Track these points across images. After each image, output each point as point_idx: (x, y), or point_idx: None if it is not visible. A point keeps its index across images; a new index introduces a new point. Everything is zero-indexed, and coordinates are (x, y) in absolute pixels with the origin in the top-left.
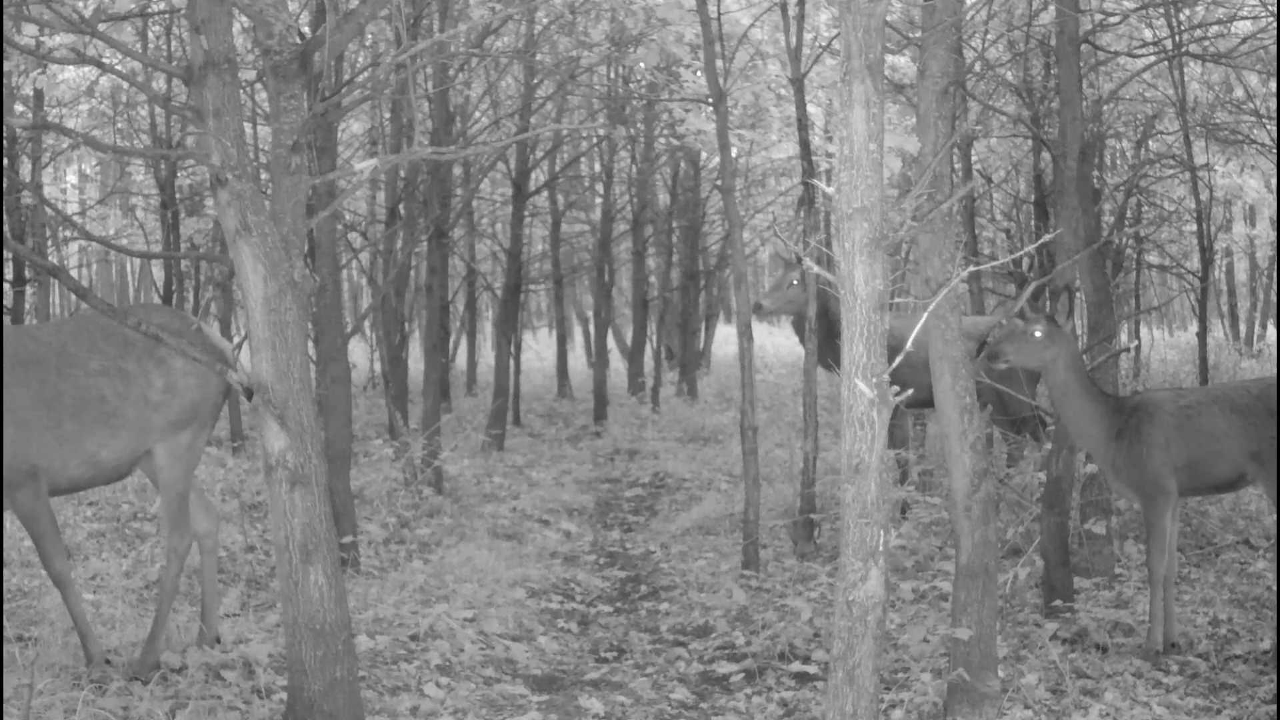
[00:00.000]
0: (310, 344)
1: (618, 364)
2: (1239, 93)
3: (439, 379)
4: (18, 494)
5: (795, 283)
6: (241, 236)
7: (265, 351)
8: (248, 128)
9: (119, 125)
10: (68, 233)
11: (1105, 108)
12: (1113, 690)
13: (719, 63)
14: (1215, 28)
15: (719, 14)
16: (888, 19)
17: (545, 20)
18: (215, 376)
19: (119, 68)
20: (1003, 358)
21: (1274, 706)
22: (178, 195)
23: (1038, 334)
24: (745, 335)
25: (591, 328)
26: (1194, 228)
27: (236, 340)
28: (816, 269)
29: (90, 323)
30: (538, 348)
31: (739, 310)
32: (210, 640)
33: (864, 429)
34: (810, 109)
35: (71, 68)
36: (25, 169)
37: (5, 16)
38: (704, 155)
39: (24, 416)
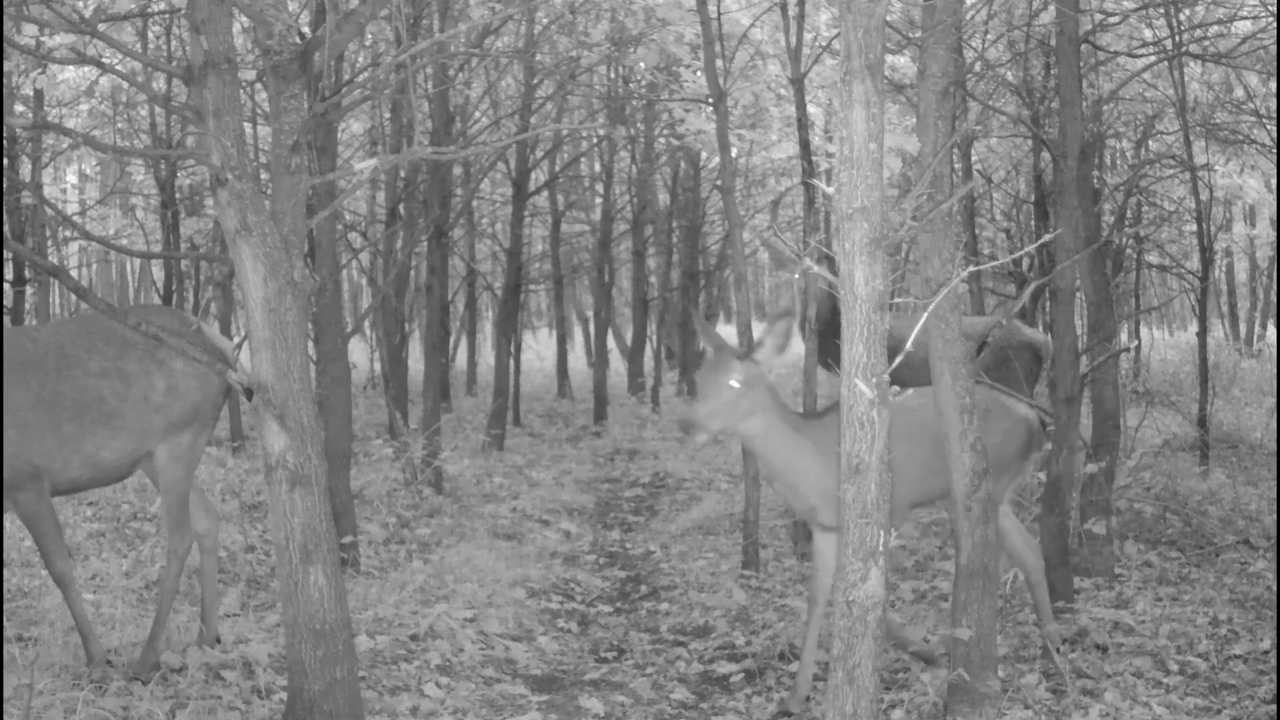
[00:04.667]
0: (310, 344)
1: (618, 364)
2: (1239, 93)
3: (439, 379)
4: (20, 494)
5: (735, 384)
6: (241, 236)
7: (265, 351)
8: (248, 128)
9: (119, 125)
10: (68, 233)
11: (1105, 108)
12: (1113, 690)
13: (719, 63)
14: (1215, 28)
15: (719, 14)
16: (888, 19)
17: (545, 20)
18: (216, 377)
19: (119, 68)
20: (702, 428)
21: (1274, 706)
22: (178, 195)
23: (735, 384)
24: (745, 335)
25: (591, 328)
26: (1194, 228)
27: (236, 340)
28: (817, 269)
29: (90, 324)
30: (538, 348)
31: (739, 310)
32: (210, 640)
33: (864, 429)
34: (810, 109)
35: (71, 68)
36: (25, 169)
37: (5, 16)
38: (704, 155)
39: (24, 418)
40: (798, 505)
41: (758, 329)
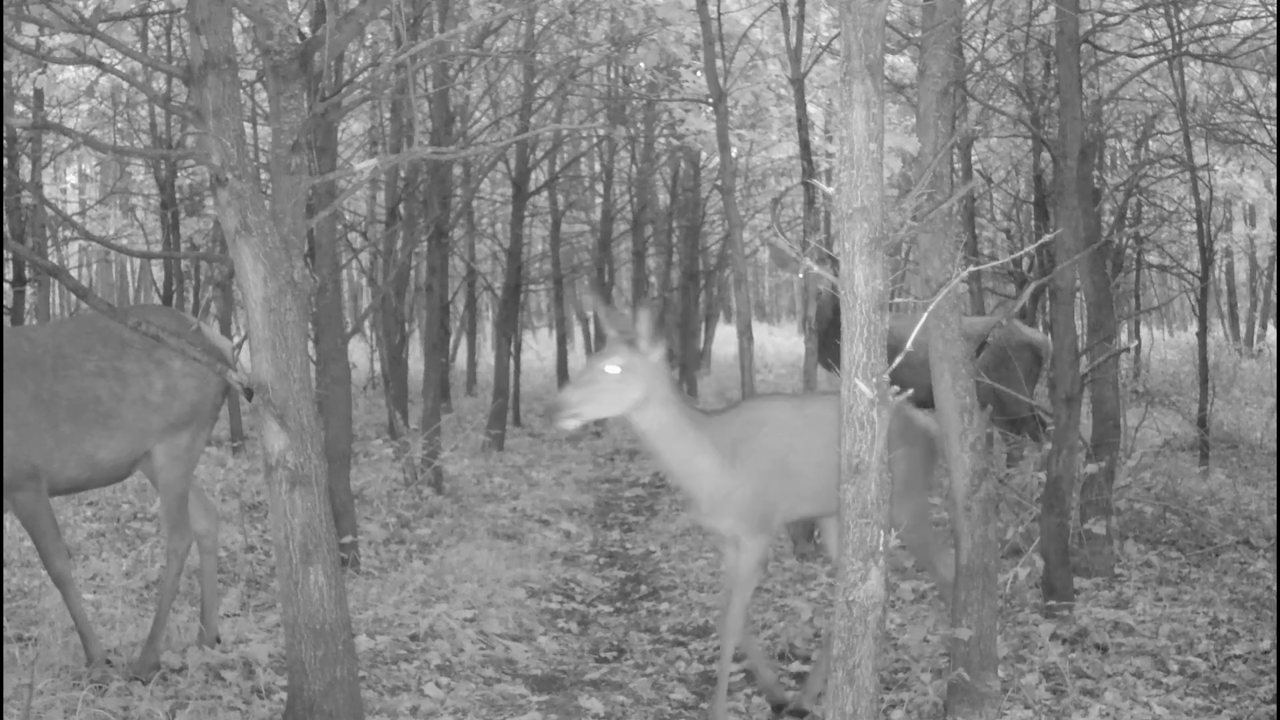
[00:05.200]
0: (310, 344)
1: None
2: (1239, 93)
3: (439, 379)
4: (18, 495)
5: (612, 370)
6: (241, 236)
7: (265, 351)
8: (248, 128)
9: (119, 125)
10: (68, 233)
11: (1105, 108)
12: (1113, 690)
13: (719, 63)
14: (1215, 28)
15: (719, 14)
16: (888, 19)
17: (545, 20)
18: (214, 377)
19: (119, 68)
20: (570, 412)
21: (1274, 706)
22: (178, 195)
23: (613, 370)
24: (745, 335)
25: (592, 328)
26: (1194, 228)
27: (236, 340)
28: (817, 269)
29: (87, 324)
30: (538, 348)
31: (739, 310)
32: (210, 640)
33: (864, 429)
34: (810, 109)
35: (71, 68)
36: (25, 169)
37: (5, 16)
38: (704, 155)
39: (22, 418)
40: (695, 514)
41: (758, 329)
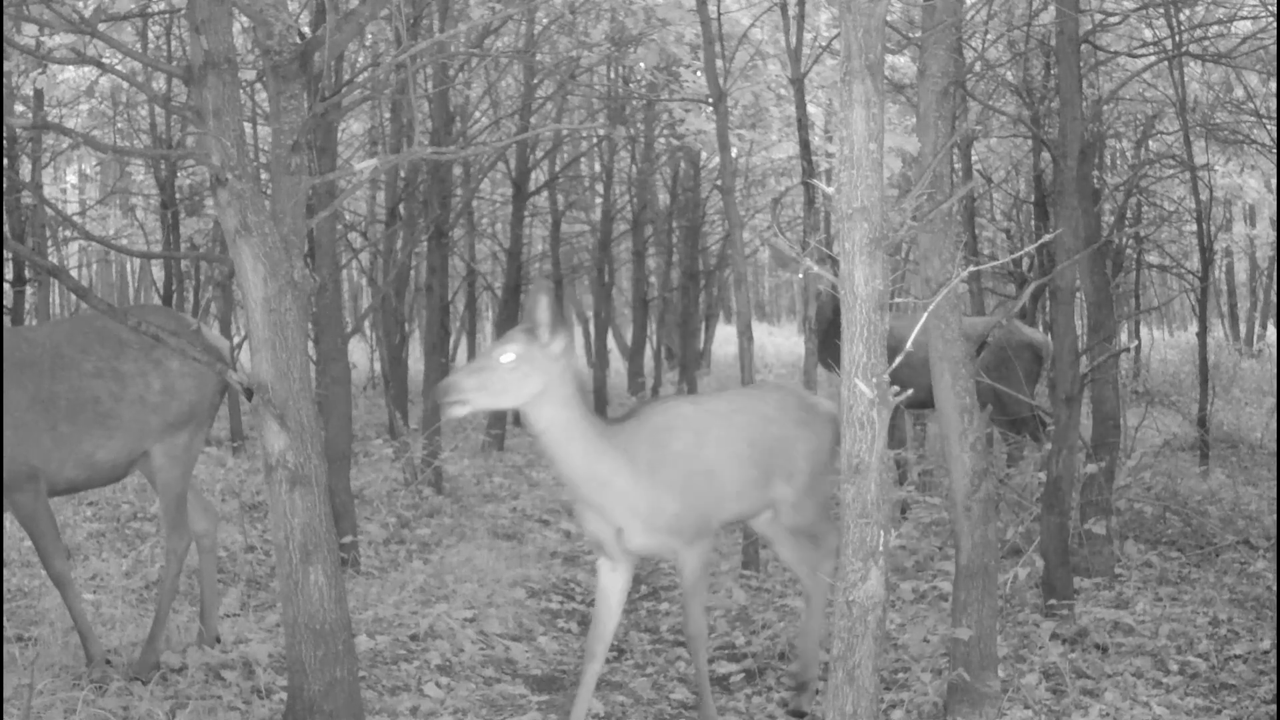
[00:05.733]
0: (310, 344)
1: (618, 364)
2: (1239, 93)
3: (439, 379)
4: (17, 495)
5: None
6: (241, 236)
7: (265, 351)
8: (248, 128)
9: (119, 125)
10: (68, 233)
11: (1105, 108)
12: (1113, 690)
13: (719, 63)
14: (1215, 28)
15: (719, 14)
16: (888, 19)
17: (545, 20)
18: (212, 377)
19: (119, 68)
20: (459, 398)
21: (1274, 706)
22: (178, 195)
23: (507, 358)
24: (745, 335)
25: (591, 328)
26: (1194, 228)
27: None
28: (817, 269)
29: (85, 324)
30: None
31: (739, 310)
32: (210, 640)
33: (864, 429)
34: (810, 109)
35: (71, 68)
36: (25, 169)
37: (5, 16)
38: (704, 155)
39: (20, 418)
40: (594, 528)
41: (758, 329)
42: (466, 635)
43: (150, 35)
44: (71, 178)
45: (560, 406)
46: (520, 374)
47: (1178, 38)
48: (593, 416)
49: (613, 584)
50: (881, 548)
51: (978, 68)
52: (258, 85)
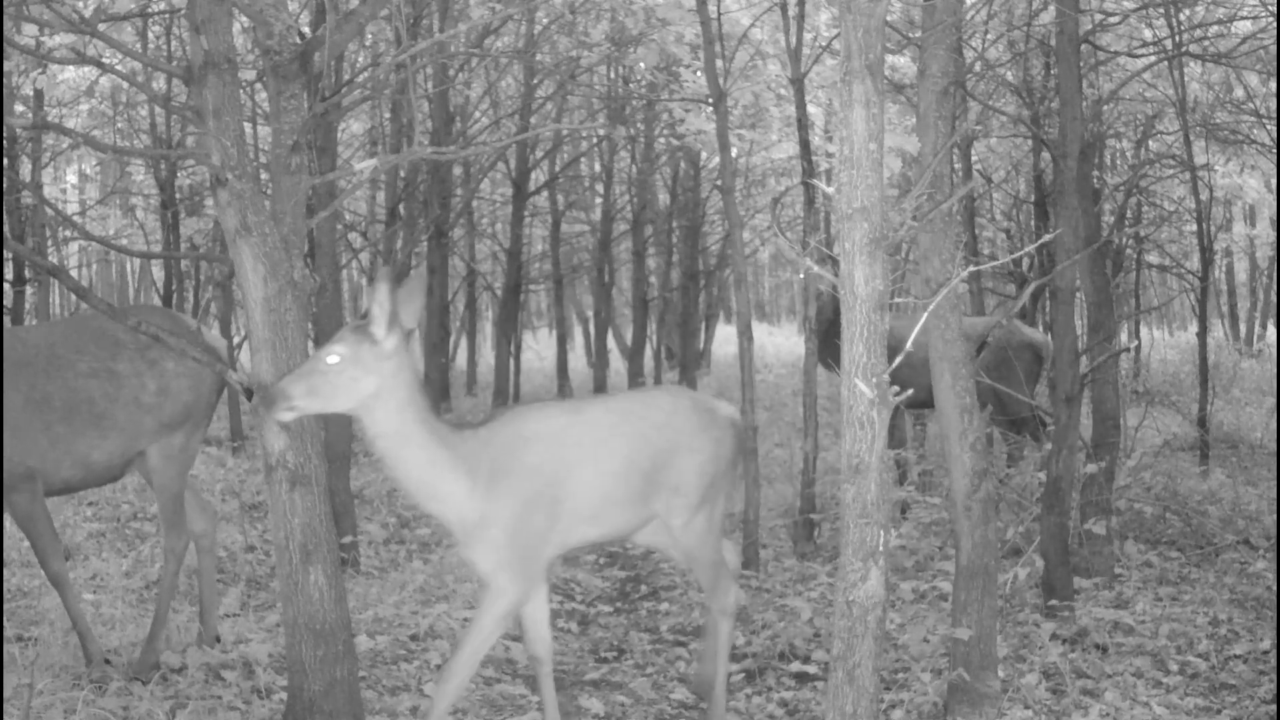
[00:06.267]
0: (310, 344)
1: (618, 364)
2: (1239, 93)
3: (439, 379)
4: (14, 496)
5: (332, 359)
6: (241, 236)
7: (265, 351)
8: (248, 128)
9: (119, 125)
10: (68, 233)
11: (1105, 108)
12: (1113, 690)
13: (719, 63)
14: (1215, 28)
15: (719, 14)
16: (888, 19)
17: (545, 20)
18: (208, 377)
19: (119, 68)
20: (286, 403)
21: (1274, 706)
22: (178, 195)
23: (332, 360)
24: (745, 335)
25: (591, 328)
26: (1194, 228)
27: (236, 340)
28: (817, 269)
29: (81, 325)
30: (538, 348)
31: (739, 310)
32: (210, 640)
33: (864, 429)
34: (810, 109)
35: (71, 68)
36: (25, 169)
37: (5, 16)
38: (704, 155)
39: (16, 419)
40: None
41: (758, 329)
42: None
43: (150, 35)
44: (71, 178)
45: (394, 411)
46: (349, 376)
47: (1178, 38)
48: (434, 421)
49: (487, 600)
50: (881, 548)
51: (978, 68)
52: (258, 85)
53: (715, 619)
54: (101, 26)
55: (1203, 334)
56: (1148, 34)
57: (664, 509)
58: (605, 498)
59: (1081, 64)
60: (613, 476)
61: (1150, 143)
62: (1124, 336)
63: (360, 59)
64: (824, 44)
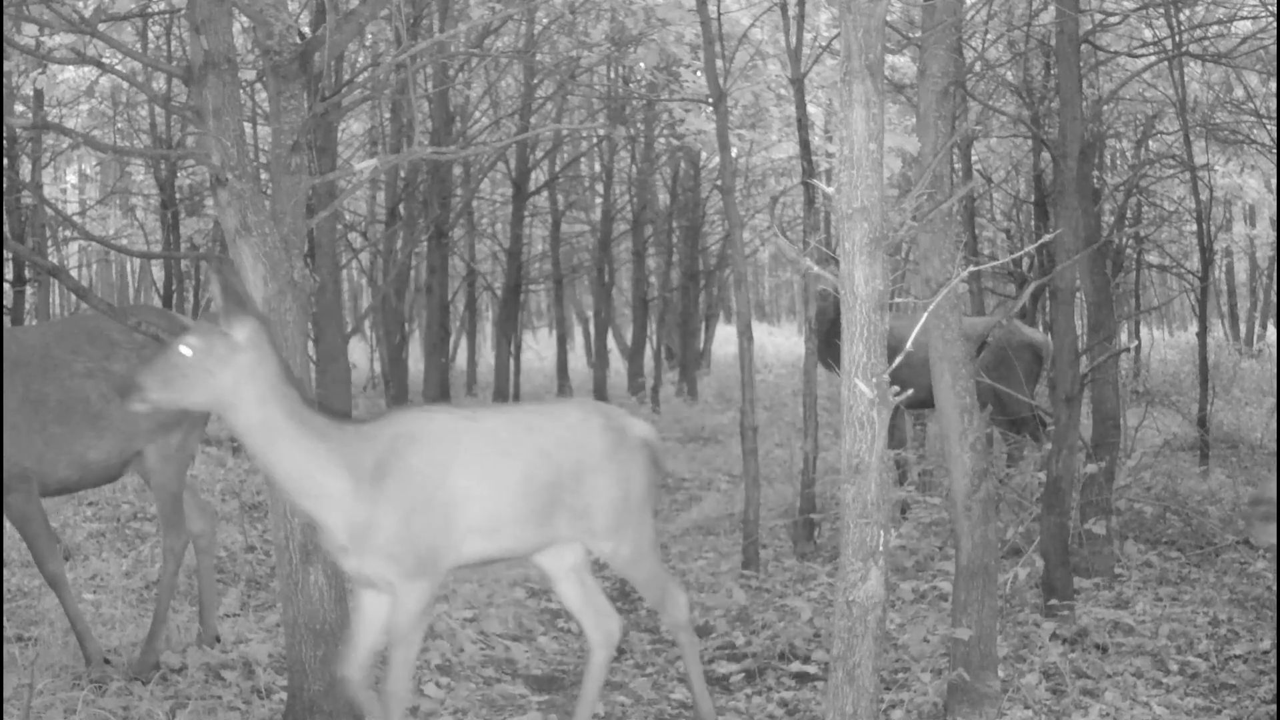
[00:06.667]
0: (310, 344)
1: (618, 364)
2: (1239, 93)
3: (439, 379)
4: (10, 497)
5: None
6: (241, 236)
7: None
8: (248, 128)
9: (119, 125)
10: (68, 233)
11: (1105, 108)
12: (1113, 690)
13: (719, 63)
14: (1215, 28)
15: (719, 14)
16: (888, 19)
17: (545, 20)
18: None
19: (119, 68)
20: (140, 394)
21: (1274, 706)
22: (178, 195)
23: (185, 351)
24: (745, 335)
25: (591, 328)
26: (1194, 228)
27: None
28: (817, 269)
29: (76, 325)
30: (538, 348)
31: (739, 310)
32: (209, 640)
33: (864, 429)
34: (810, 109)
35: (71, 68)
36: (25, 169)
37: (5, 16)
38: (704, 155)
39: (11, 419)
40: (326, 542)
41: (758, 329)
42: (466, 635)
43: (150, 35)
44: (71, 178)
45: (255, 404)
46: (203, 369)
47: (1178, 38)
48: (307, 413)
49: (372, 603)
50: (881, 548)
51: (978, 68)
52: (258, 85)
53: (674, 634)
54: (101, 26)
55: (1203, 334)
56: (1148, 34)
57: (570, 531)
58: (500, 512)
59: (1081, 64)
60: (508, 490)
61: (1150, 143)
62: (1124, 336)
63: (360, 59)
64: (824, 44)
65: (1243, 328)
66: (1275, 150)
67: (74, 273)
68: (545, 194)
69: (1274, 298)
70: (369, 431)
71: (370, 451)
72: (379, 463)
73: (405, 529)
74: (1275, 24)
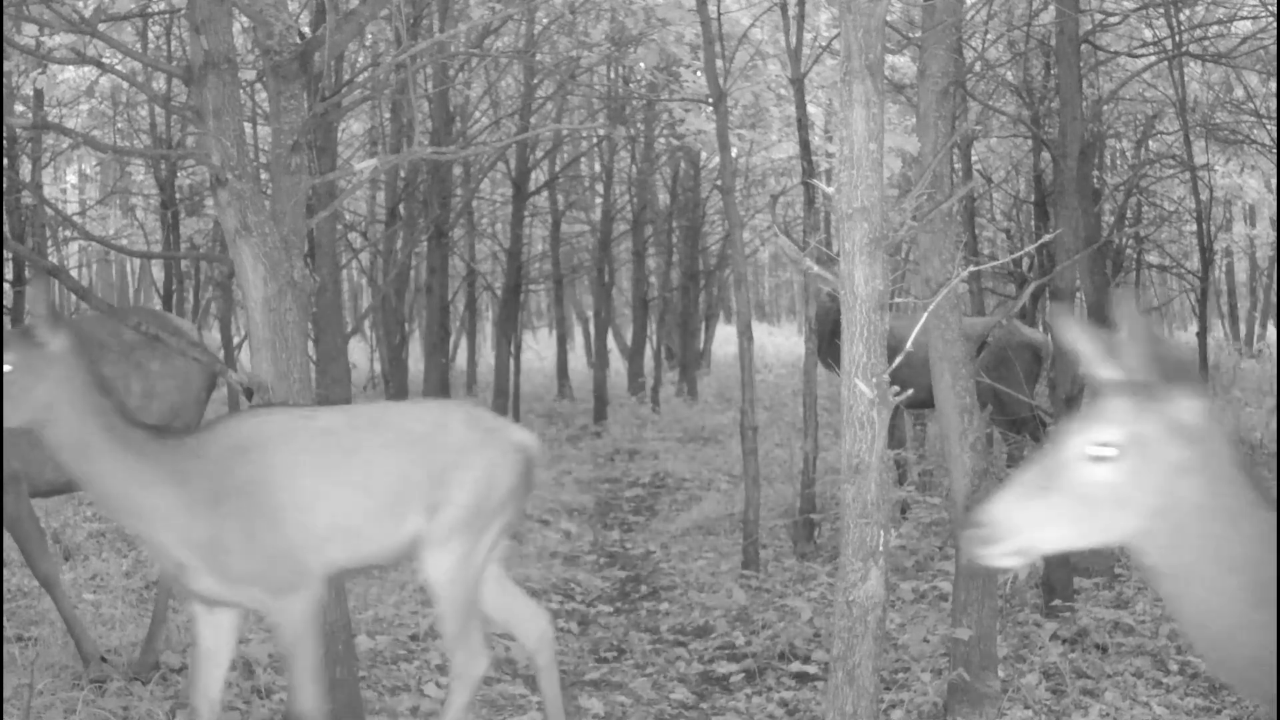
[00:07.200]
0: (310, 344)
1: (618, 364)
2: (1239, 93)
3: (439, 379)
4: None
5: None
6: (241, 236)
7: (265, 351)
8: (248, 128)
9: (119, 125)
10: (68, 233)
11: (1105, 108)
12: (1113, 690)
13: (719, 63)
14: (1215, 28)
15: (719, 14)
16: (888, 19)
17: (545, 20)
18: (196, 379)
19: (119, 68)
20: None
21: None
22: (178, 195)
23: (6, 368)
24: (745, 335)
25: (591, 328)
26: (1194, 228)
27: (236, 340)
28: (817, 269)
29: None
30: (538, 348)
31: (739, 310)
32: None
33: (864, 429)
34: (810, 109)
35: (71, 68)
36: (25, 169)
37: (5, 16)
38: (704, 155)
39: None
40: (161, 564)
41: (758, 329)
42: None
43: (150, 35)
44: (71, 178)
45: (74, 419)
46: (20, 386)
47: (1178, 38)
48: (126, 428)
49: (211, 627)
50: (881, 548)
51: (978, 68)
52: (258, 85)
53: (450, 690)
54: (101, 26)
55: (1203, 334)
56: (1148, 34)
57: (416, 529)
58: (351, 510)
59: (1081, 64)
60: (353, 487)
61: (1150, 143)
62: None
63: (360, 59)
64: (824, 44)
65: (1242, 328)
66: (1275, 150)
67: (74, 273)
68: (545, 194)
69: (1274, 298)
70: (194, 445)
71: (199, 466)
72: (212, 477)
73: (253, 542)
74: (1275, 24)
